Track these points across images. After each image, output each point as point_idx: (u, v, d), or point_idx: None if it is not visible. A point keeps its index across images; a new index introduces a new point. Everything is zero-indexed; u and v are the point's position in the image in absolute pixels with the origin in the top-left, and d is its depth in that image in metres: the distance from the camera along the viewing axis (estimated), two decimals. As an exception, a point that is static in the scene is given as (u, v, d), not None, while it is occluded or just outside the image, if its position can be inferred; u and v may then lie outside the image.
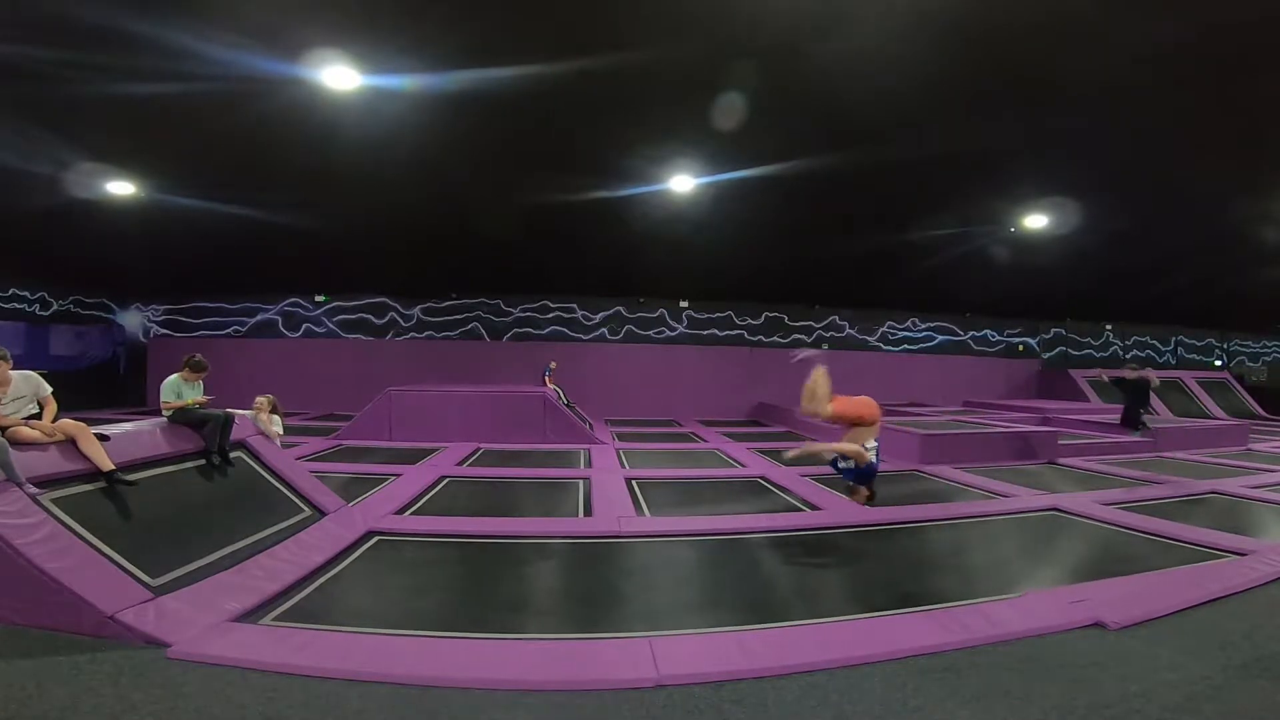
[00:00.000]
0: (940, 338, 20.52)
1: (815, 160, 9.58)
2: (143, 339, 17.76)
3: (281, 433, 6.92)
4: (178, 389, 5.34)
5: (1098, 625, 3.59)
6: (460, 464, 9.18)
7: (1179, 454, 11.06)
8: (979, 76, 7.52)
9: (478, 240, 13.80)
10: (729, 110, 8.16)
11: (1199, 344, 23.44)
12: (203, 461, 5.12)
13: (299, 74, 7.25)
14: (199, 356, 5.51)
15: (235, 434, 5.57)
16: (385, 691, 2.83)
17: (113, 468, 4.22)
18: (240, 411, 6.05)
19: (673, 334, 18.42)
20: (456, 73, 7.37)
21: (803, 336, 19.26)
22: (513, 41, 6.94)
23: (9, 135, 8.39)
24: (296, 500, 5.48)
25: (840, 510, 6.50)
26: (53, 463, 3.98)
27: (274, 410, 6.91)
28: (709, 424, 15.63)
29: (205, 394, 5.51)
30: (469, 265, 16.09)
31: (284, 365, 17.24)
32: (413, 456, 9.55)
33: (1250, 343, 24.35)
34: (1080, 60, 7.17)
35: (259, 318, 17.79)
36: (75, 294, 16.42)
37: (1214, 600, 3.98)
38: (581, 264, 15.77)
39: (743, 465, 9.46)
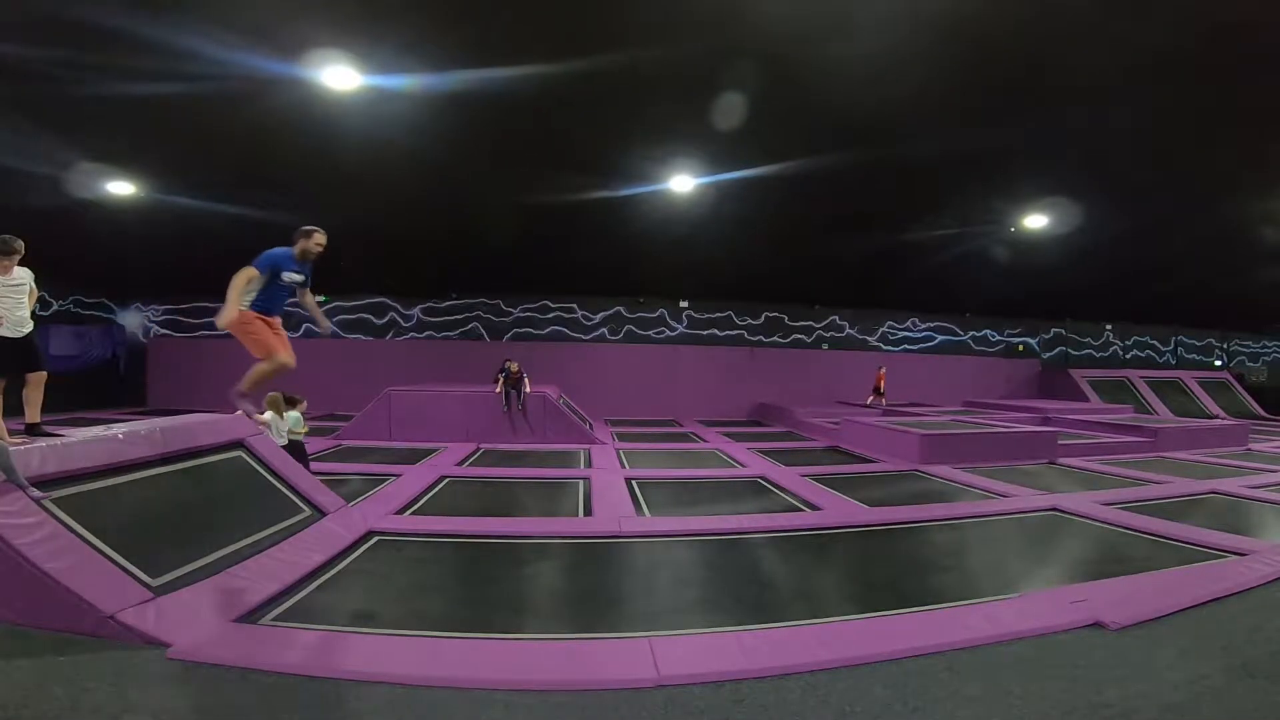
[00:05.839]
0: (940, 338, 20.51)
1: (815, 160, 9.58)
2: (143, 339, 17.74)
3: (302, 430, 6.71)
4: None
5: (1098, 625, 3.58)
6: (460, 464, 9.17)
7: (1179, 454, 11.05)
8: (979, 77, 7.53)
9: (478, 240, 13.80)
10: (729, 110, 8.16)
11: (1199, 344, 23.42)
12: (199, 462, 5.11)
13: (299, 74, 7.25)
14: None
15: (234, 434, 5.56)
16: (385, 691, 2.82)
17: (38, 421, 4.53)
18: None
19: (673, 334, 18.40)
20: (456, 73, 7.37)
21: (803, 336, 19.26)
22: (512, 41, 6.94)
23: (9, 135, 8.39)
24: (296, 500, 5.46)
25: (840, 510, 6.51)
26: (54, 463, 3.98)
27: (285, 407, 6.46)
28: (709, 424, 15.62)
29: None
30: (469, 265, 16.08)
31: (284, 365, 17.21)
32: (413, 456, 9.54)
33: (1250, 343, 24.34)
34: (1080, 61, 7.18)
35: (259, 318, 17.76)
36: (75, 294, 16.39)
37: (1214, 600, 3.97)
38: (581, 264, 15.75)
39: (743, 465, 9.46)
